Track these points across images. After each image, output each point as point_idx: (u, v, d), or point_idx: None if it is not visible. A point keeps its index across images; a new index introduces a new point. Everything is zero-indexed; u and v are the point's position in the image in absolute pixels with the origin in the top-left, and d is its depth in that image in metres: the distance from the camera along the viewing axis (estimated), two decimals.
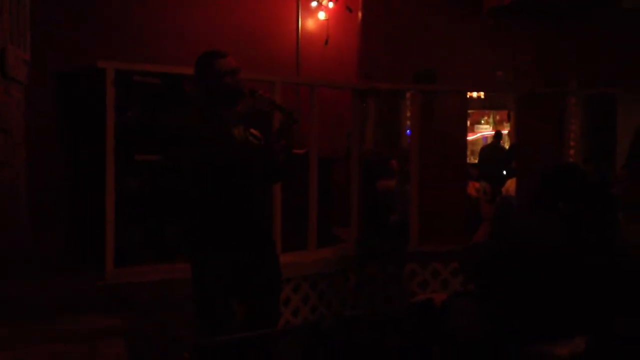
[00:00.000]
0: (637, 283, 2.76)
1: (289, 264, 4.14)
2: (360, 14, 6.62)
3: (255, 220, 3.01)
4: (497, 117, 11.38)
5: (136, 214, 4.15)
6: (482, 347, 2.62)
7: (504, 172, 7.97)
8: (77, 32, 5.03)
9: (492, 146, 9.78)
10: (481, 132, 11.35)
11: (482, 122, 11.56)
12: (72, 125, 4.35)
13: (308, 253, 4.38)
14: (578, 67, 5.83)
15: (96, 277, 3.59)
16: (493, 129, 11.48)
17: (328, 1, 6.62)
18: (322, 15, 6.63)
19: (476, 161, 10.00)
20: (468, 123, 9.95)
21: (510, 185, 6.86)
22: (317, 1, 6.61)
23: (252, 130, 3.00)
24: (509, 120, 10.50)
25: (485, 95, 9.57)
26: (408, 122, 6.74)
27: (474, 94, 9.23)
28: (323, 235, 4.71)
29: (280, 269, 3.16)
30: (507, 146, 10.16)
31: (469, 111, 9.70)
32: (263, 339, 2.29)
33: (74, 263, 3.91)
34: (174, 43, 5.57)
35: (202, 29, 5.86)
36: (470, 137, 10.40)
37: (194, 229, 2.99)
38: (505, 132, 10.88)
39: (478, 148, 10.98)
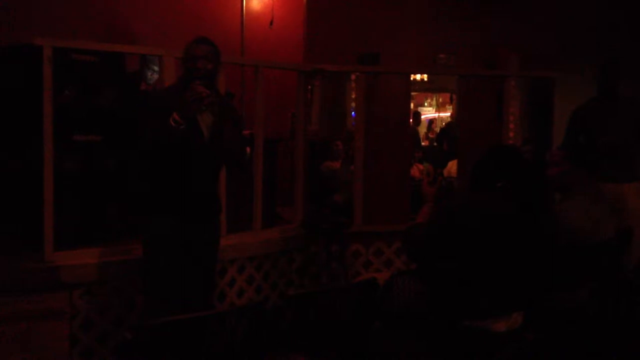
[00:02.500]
0: (568, 259, 2.87)
1: (234, 245, 4.15)
2: None
3: (196, 193, 3.19)
4: (440, 100, 11.53)
5: (76, 196, 4.08)
6: (422, 323, 2.68)
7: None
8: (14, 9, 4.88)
9: (413, 129, 9.97)
10: (424, 115, 11.49)
11: (426, 104, 11.69)
12: (5, 105, 4.20)
13: (253, 234, 4.38)
14: (518, 49, 5.95)
15: (36, 260, 3.51)
16: (436, 111, 11.65)
17: None
18: None
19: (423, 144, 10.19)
20: (412, 105, 10.09)
21: (452, 166, 7.01)
22: None
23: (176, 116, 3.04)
24: (451, 102, 10.66)
25: (428, 77, 9.68)
26: (353, 104, 6.77)
27: (418, 77, 9.33)
28: (268, 216, 4.72)
29: (218, 249, 3.38)
30: (437, 129, 10.43)
31: (413, 94, 9.80)
32: (207, 319, 2.29)
33: (15, 246, 3.82)
34: (116, 23, 5.45)
35: (146, 8, 5.75)
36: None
37: (141, 197, 3.19)
38: (448, 114, 11.06)
39: (421, 130, 11.14)
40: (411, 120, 9.99)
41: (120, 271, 3.66)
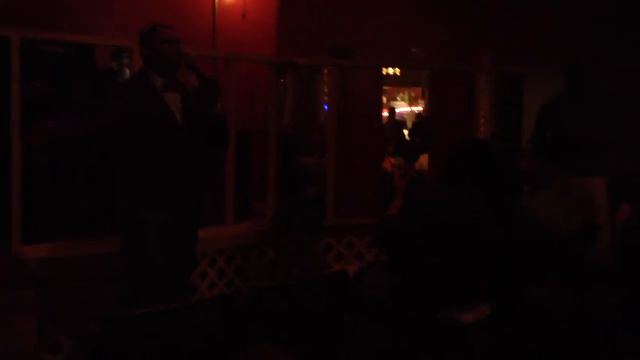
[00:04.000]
0: (536, 251, 2.91)
1: (206, 239, 4.12)
2: None
3: (187, 187, 3.12)
4: (412, 94, 11.59)
5: (48, 189, 4.02)
6: (391, 314, 2.71)
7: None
8: None
9: (390, 123, 10.04)
10: (397, 109, 11.55)
11: (398, 98, 11.74)
12: None
13: (225, 227, 4.37)
14: (489, 44, 6.01)
15: (3, 253, 3.47)
16: (409, 105, 11.72)
17: None
18: None
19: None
20: (384, 99, 10.14)
21: (423, 160, 7.06)
22: None
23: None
24: (423, 96, 10.73)
25: (400, 72, 9.73)
26: (326, 98, 6.78)
27: (390, 71, 9.38)
28: (240, 210, 4.71)
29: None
30: (409, 124, 10.51)
31: (385, 88, 9.84)
32: (177, 312, 2.28)
33: None
34: (87, 14, 5.39)
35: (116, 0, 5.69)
36: (386, 114, 10.58)
37: (128, 193, 3.07)
38: (420, 108, 11.12)
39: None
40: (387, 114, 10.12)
41: (90, 264, 3.63)
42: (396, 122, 10.27)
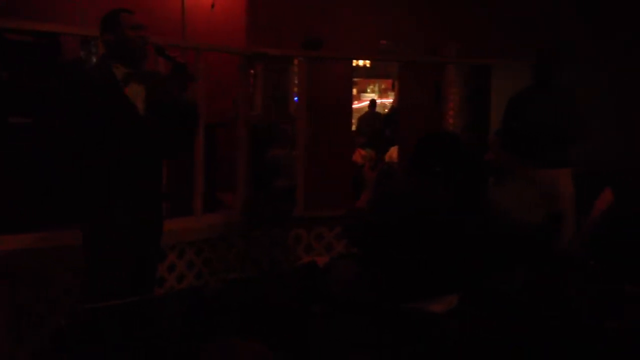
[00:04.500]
0: (502, 242, 2.95)
1: (174, 230, 4.11)
2: None
3: (150, 179, 3.07)
4: (383, 86, 11.64)
5: (12, 180, 3.96)
6: (361, 305, 2.73)
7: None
8: None
9: (370, 114, 10.06)
10: (367, 100, 11.58)
11: (369, 90, 11.77)
12: None
13: (193, 219, 4.35)
14: (458, 35, 6.04)
15: None
16: (379, 97, 11.75)
17: None
18: None
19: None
20: (355, 91, 10.16)
21: (393, 152, 7.09)
22: None
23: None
24: (393, 88, 10.77)
25: (371, 63, 9.76)
26: (296, 89, 6.76)
27: (360, 63, 9.40)
28: (209, 201, 4.69)
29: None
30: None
31: (356, 80, 9.87)
32: (144, 304, 2.27)
33: None
34: (52, 4, 5.29)
35: None
36: (356, 105, 10.60)
37: (90, 186, 2.98)
38: (390, 100, 11.17)
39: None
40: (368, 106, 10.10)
41: (57, 257, 3.58)
42: (375, 114, 10.27)
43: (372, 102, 10.37)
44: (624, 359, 1.98)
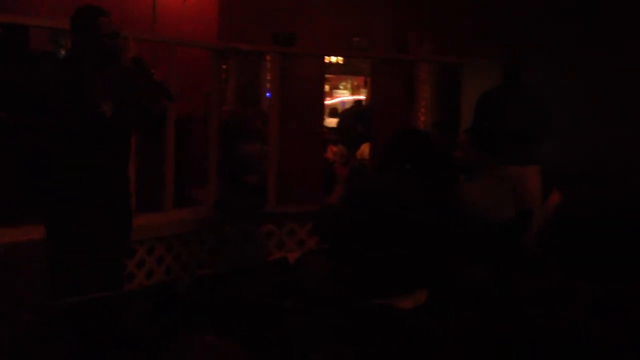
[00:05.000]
0: (471, 239, 2.99)
1: (144, 226, 4.07)
2: None
3: (117, 178, 3.06)
4: (355, 83, 11.64)
5: None
6: (331, 301, 2.74)
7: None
8: None
9: (351, 111, 10.05)
10: (340, 97, 11.57)
11: (341, 87, 11.76)
12: None
13: (163, 214, 4.32)
14: (430, 33, 6.08)
15: None
16: (352, 94, 11.75)
17: None
18: None
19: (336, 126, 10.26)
20: (327, 88, 10.14)
21: (365, 149, 7.11)
22: None
23: None
24: (365, 86, 10.79)
25: (343, 60, 9.75)
26: (268, 85, 6.74)
27: (333, 59, 9.38)
28: (179, 196, 4.66)
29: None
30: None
31: (328, 76, 9.85)
32: (111, 300, 2.25)
33: None
34: None
35: None
36: (329, 102, 10.59)
37: (54, 186, 2.96)
38: (362, 97, 11.18)
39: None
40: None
41: (22, 252, 3.53)
42: (355, 111, 10.23)
43: (358, 103, 10.23)
44: (573, 351, 2.03)
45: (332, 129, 9.79)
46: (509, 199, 3.49)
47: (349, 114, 9.87)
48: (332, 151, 7.64)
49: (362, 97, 11.11)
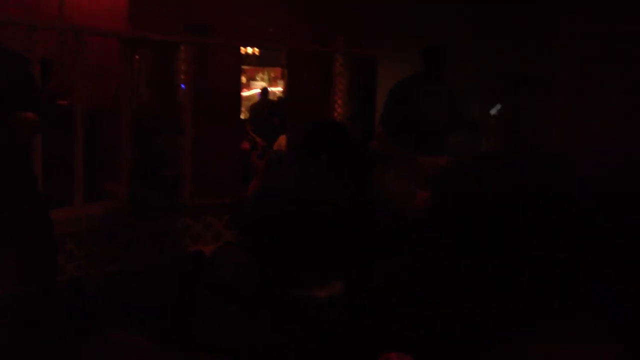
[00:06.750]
0: (386, 229, 3.04)
1: (53, 221, 3.93)
2: None
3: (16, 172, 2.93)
4: (272, 74, 11.61)
5: None
6: (247, 293, 2.72)
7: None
8: None
9: (262, 103, 10.04)
10: (256, 89, 11.52)
11: (258, 78, 11.71)
12: None
13: (73, 209, 4.17)
14: (345, 26, 6.13)
15: None
16: (269, 85, 11.73)
17: None
18: None
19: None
20: (244, 79, 10.07)
21: (282, 140, 7.12)
22: None
23: None
24: (282, 77, 10.79)
25: (260, 52, 9.71)
26: (182, 76, 6.62)
27: (249, 50, 9.32)
28: (91, 191, 4.52)
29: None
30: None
31: (245, 67, 9.78)
32: (18, 298, 2.16)
33: None
34: None
35: None
36: (245, 93, 10.53)
37: None
38: (280, 89, 11.17)
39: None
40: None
41: None
42: (267, 103, 10.22)
43: (264, 91, 10.33)
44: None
45: (247, 120, 9.78)
46: (423, 189, 3.57)
47: (261, 106, 9.88)
48: (248, 142, 7.61)
49: (274, 88, 11.14)
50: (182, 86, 6.33)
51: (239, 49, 5.55)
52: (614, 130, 5.15)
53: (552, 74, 5.22)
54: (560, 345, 0.69)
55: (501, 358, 0.71)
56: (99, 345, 2.23)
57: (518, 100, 5.59)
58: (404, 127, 4.45)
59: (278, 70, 11.16)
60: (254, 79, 11.68)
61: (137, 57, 5.85)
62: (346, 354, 2.33)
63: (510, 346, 0.71)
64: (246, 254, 2.95)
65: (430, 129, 4.62)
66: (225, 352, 2.34)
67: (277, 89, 11.28)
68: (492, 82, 5.71)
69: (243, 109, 8.72)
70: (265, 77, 11.74)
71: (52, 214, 3.93)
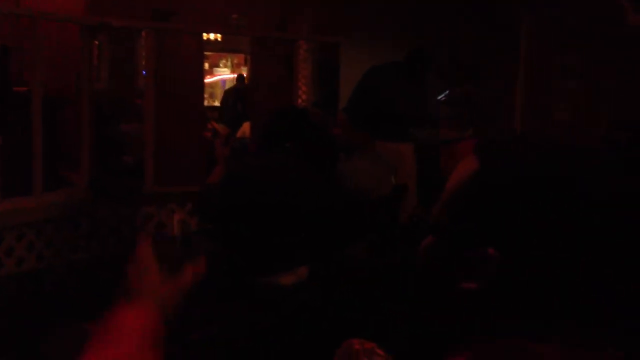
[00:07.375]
0: (351, 215, 3.06)
1: (10, 211, 3.86)
2: None
3: None
4: (235, 61, 11.50)
5: None
6: (212, 280, 2.72)
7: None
8: None
9: (235, 89, 9.96)
10: (220, 75, 11.40)
11: (221, 65, 11.59)
12: None
13: (32, 198, 4.09)
14: (309, 12, 6.11)
15: None
16: (232, 72, 11.62)
17: None
18: None
19: (216, 103, 10.14)
20: (207, 65, 9.96)
21: (246, 127, 7.08)
22: None
23: None
24: (246, 63, 10.70)
25: (223, 38, 9.61)
26: (144, 62, 6.52)
27: (212, 36, 9.22)
28: (51, 179, 4.43)
29: None
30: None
31: (208, 53, 9.67)
32: None
33: None
34: None
35: None
36: (209, 80, 10.42)
37: None
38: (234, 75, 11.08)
39: (217, 91, 11.06)
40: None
41: None
42: (236, 89, 10.11)
43: (240, 77, 10.19)
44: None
45: (212, 107, 9.68)
46: (387, 174, 3.60)
47: (230, 92, 9.79)
48: (212, 130, 7.55)
49: (229, 75, 11.04)
50: (144, 72, 6.25)
51: (202, 35, 5.49)
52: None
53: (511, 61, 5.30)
54: (560, 346, 0.70)
55: (501, 358, 0.72)
56: (62, 335, 2.21)
57: (476, 87, 5.65)
58: (372, 114, 4.46)
59: (241, 56, 11.06)
60: (217, 66, 11.56)
61: (96, 42, 5.74)
62: (312, 340, 2.35)
63: (510, 346, 0.72)
64: (211, 242, 2.95)
65: (398, 118, 4.65)
66: (194, 339, 2.34)
67: (243, 74, 11.17)
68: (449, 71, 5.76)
69: (206, 95, 8.64)
70: (229, 63, 11.63)
71: (10, 203, 3.87)
